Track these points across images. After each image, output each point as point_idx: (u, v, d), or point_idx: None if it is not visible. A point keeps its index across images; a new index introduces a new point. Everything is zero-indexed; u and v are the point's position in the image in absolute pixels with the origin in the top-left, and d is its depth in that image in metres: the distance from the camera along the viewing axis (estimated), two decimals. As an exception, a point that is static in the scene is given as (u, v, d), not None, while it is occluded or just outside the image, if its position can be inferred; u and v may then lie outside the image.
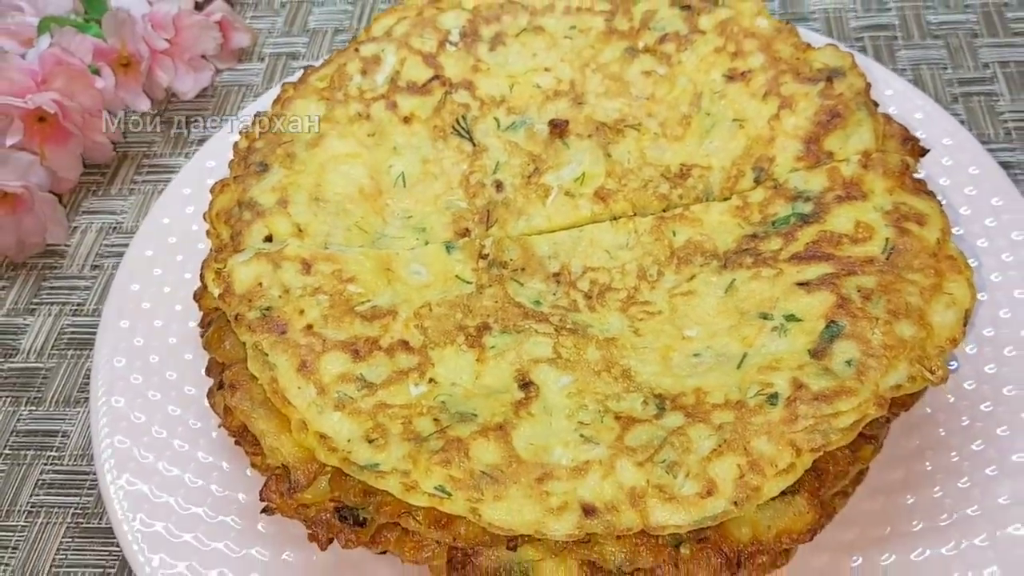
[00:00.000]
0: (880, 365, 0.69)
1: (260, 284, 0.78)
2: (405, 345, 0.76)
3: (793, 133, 0.88)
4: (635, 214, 0.88)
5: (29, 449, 0.96)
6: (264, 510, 0.73)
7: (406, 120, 0.95)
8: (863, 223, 0.79)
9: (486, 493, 0.66)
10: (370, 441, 0.69)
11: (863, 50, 1.22)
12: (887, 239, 0.77)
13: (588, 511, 0.65)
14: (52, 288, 1.10)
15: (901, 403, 0.75)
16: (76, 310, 1.07)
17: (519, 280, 0.83)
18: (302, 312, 0.77)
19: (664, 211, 0.88)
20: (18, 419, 0.98)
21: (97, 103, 1.14)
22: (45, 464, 0.95)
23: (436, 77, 0.97)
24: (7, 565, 0.88)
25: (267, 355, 0.74)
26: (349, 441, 0.69)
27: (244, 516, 0.81)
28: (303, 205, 0.85)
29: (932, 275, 0.75)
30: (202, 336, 0.84)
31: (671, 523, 0.64)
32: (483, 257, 0.85)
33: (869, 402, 0.68)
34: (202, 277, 0.83)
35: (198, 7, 1.27)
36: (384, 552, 0.71)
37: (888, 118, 0.89)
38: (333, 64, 0.98)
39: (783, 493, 0.67)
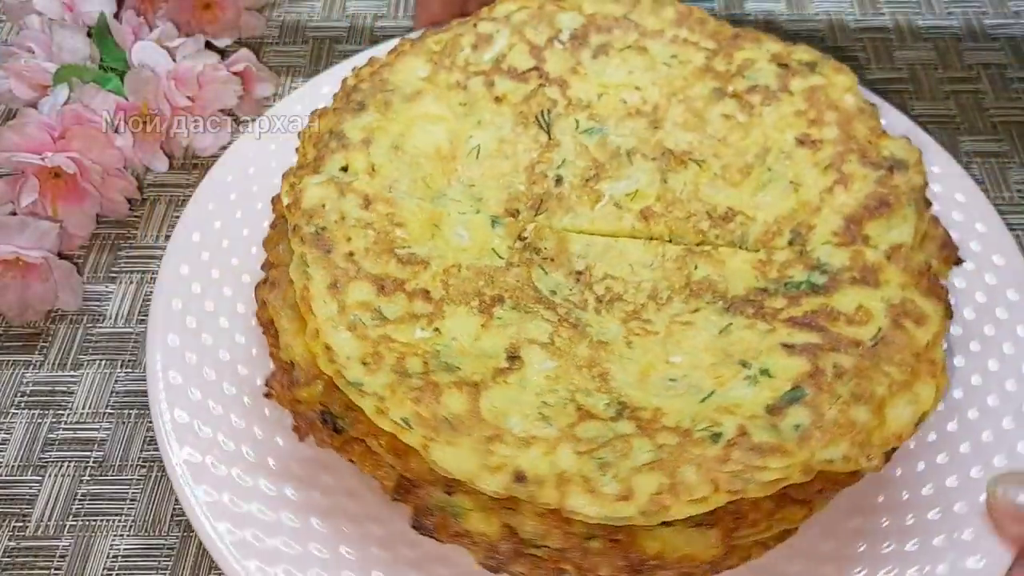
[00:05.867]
0: (823, 438, 0.73)
1: (323, 206, 0.87)
2: (425, 294, 0.84)
3: (839, 209, 0.91)
4: (669, 240, 0.92)
5: (132, 408, 1.00)
6: (266, 395, 0.85)
7: (497, 100, 1.00)
8: (864, 308, 0.82)
9: (440, 436, 0.73)
10: (364, 363, 0.77)
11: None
12: (879, 328, 0.81)
13: (519, 477, 0.71)
14: (128, 257, 1.13)
15: (835, 479, 0.78)
16: (155, 278, 1.03)
17: (545, 268, 0.89)
18: (349, 239, 0.85)
19: (696, 245, 0.92)
20: (116, 380, 1.02)
21: (116, 162, 1.11)
22: (149, 422, 0.98)
23: (536, 68, 1.02)
24: (128, 515, 0.93)
25: (308, 267, 0.82)
26: (348, 358, 0.77)
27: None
28: (384, 149, 0.93)
29: (907, 373, 0.78)
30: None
31: (582, 511, 0.70)
32: (521, 239, 0.91)
33: (796, 467, 0.72)
34: (282, 184, 0.92)
35: (221, 55, 1.23)
36: (351, 460, 0.81)
37: (935, 221, 0.92)
38: (451, 32, 1.04)
39: (701, 524, 0.73)
